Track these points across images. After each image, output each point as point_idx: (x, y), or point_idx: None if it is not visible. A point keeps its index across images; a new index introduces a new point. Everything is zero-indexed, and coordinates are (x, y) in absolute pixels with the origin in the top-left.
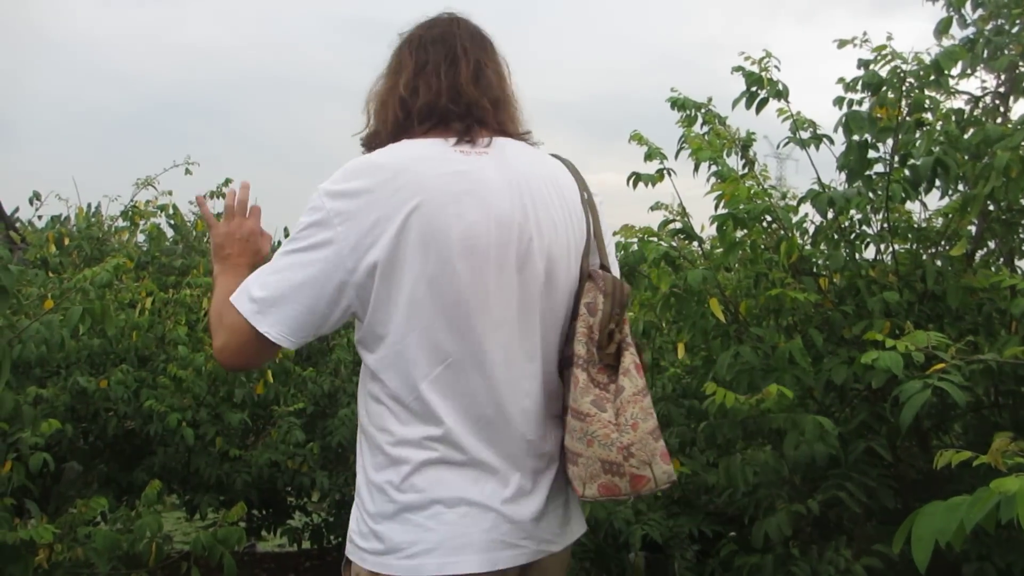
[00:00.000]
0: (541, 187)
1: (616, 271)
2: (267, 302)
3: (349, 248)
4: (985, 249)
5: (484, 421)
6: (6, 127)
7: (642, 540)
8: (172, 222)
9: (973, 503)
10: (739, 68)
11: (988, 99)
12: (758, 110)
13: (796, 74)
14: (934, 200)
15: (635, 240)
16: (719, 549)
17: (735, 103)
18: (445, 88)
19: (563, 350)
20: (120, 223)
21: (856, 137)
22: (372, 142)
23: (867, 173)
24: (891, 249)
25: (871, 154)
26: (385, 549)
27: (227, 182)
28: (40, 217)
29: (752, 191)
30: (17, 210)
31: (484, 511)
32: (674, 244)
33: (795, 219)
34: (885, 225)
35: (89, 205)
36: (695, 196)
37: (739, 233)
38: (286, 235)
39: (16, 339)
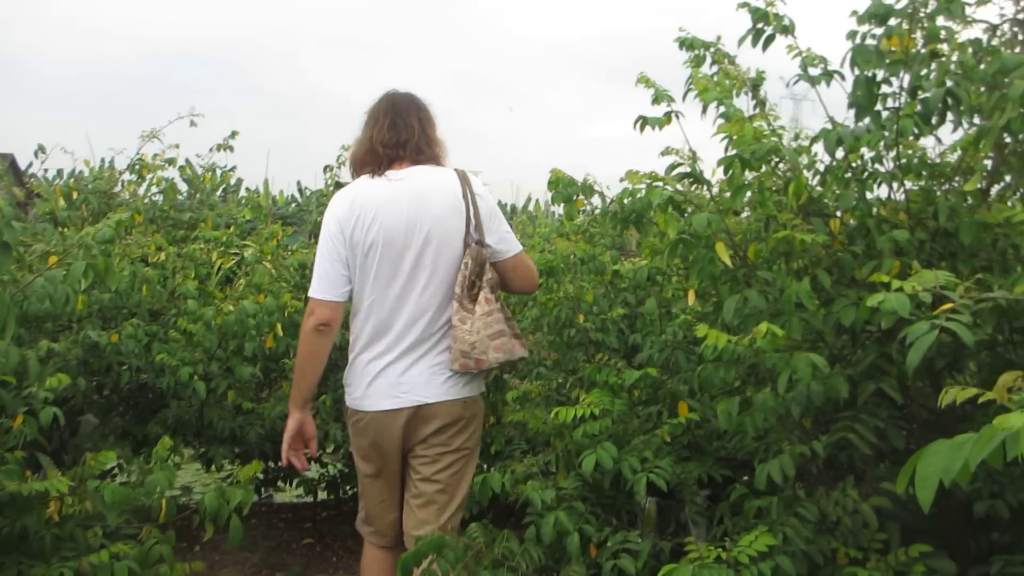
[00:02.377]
0: (433, 197)
1: (498, 240)
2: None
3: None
4: (1002, 183)
5: (383, 327)
6: (16, 83)
7: (648, 487)
8: (185, 176)
9: (978, 440)
10: (744, 4)
11: (1006, 27)
12: (764, 47)
13: (811, 12)
14: (949, 135)
15: (642, 186)
16: (729, 493)
17: (740, 41)
18: (367, 143)
19: (452, 290)
20: (128, 176)
21: (865, 72)
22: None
23: (876, 109)
24: (903, 187)
25: (883, 89)
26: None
27: (234, 135)
28: (47, 171)
29: (760, 132)
30: (31, 165)
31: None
32: (680, 188)
33: (805, 160)
34: (898, 162)
35: (103, 160)
36: (707, 143)
37: (747, 175)
38: (298, 190)
39: (20, 294)
